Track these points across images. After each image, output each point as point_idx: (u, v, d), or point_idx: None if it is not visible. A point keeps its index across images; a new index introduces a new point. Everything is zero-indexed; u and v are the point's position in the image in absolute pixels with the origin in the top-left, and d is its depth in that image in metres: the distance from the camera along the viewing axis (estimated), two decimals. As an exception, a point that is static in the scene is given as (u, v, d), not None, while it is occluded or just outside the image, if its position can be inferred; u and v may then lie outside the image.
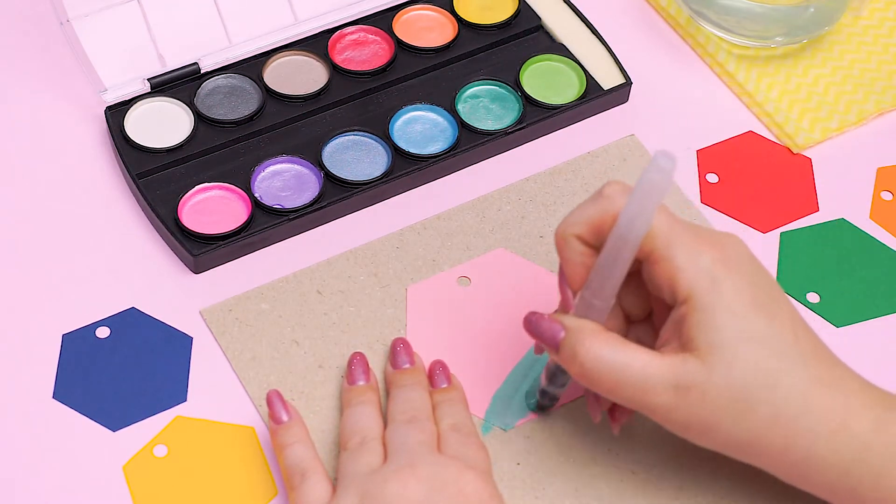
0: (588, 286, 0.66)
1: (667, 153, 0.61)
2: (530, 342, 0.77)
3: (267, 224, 0.81)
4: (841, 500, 0.66)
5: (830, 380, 0.65)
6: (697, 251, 0.65)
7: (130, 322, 0.77)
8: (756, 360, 0.64)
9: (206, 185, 0.82)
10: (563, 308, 0.68)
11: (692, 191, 0.85)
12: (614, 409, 0.71)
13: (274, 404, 0.71)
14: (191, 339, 0.77)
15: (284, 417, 0.71)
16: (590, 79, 0.89)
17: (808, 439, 0.64)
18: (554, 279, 0.80)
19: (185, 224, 0.80)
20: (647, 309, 0.70)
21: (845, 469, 0.65)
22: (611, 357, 0.65)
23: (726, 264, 0.65)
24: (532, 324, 0.68)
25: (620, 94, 0.89)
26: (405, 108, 0.87)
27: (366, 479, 0.67)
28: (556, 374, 0.71)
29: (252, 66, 0.88)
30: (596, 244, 0.67)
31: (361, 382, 0.73)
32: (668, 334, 0.66)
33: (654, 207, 0.63)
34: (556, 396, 0.73)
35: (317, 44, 0.89)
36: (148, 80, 0.86)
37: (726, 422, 0.64)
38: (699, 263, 0.65)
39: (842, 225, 0.84)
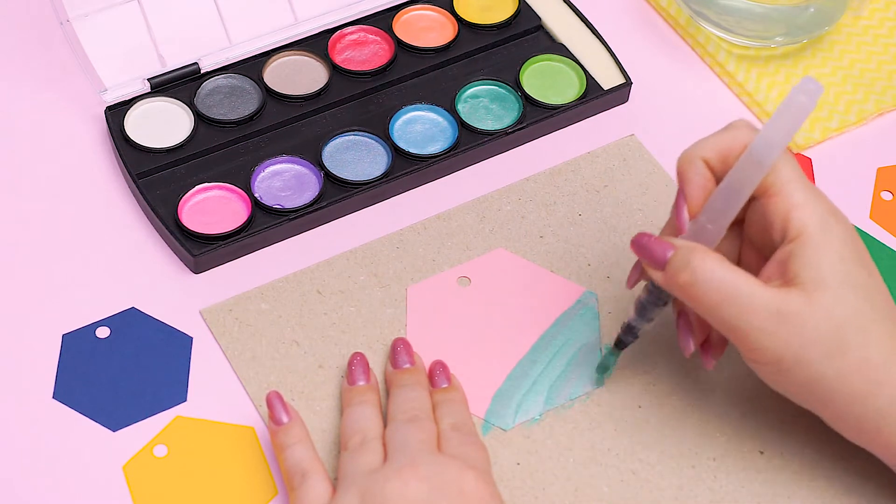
0: (705, 212, 0.68)
1: (813, 79, 0.64)
2: (530, 342, 0.77)
3: (267, 224, 0.81)
4: None
5: None
6: (814, 194, 0.68)
7: (130, 322, 0.77)
8: (855, 305, 0.66)
9: (206, 185, 0.82)
10: (676, 229, 0.70)
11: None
12: (706, 344, 0.72)
13: (274, 405, 0.71)
14: (191, 339, 0.77)
15: (284, 418, 0.71)
16: (590, 79, 0.89)
17: (891, 388, 0.66)
18: (555, 279, 0.80)
19: (185, 224, 0.80)
20: (737, 259, 0.71)
21: None
22: (720, 273, 0.66)
23: (836, 215, 0.68)
24: (641, 242, 0.69)
25: (620, 94, 0.89)
26: (405, 108, 0.87)
27: (366, 479, 0.67)
28: (649, 306, 0.72)
29: (252, 66, 0.88)
30: (719, 171, 0.69)
31: (361, 382, 0.73)
32: (771, 271, 0.67)
33: (793, 131, 0.65)
34: (638, 333, 0.73)
35: (317, 44, 0.89)
36: (148, 80, 0.86)
37: (818, 357, 0.66)
38: (815, 205, 0.67)
39: (842, 225, 0.84)
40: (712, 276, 0.66)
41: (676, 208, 0.70)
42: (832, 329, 0.66)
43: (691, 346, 0.72)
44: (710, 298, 0.66)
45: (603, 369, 0.75)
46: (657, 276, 0.69)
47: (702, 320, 0.71)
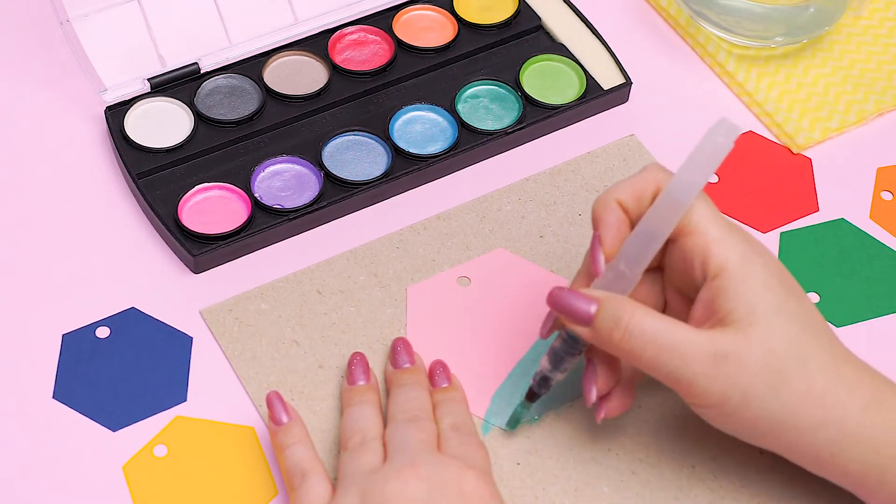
0: (621, 255, 0.67)
1: (729, 119, 0.64)
2: (530, 342, 0.77)
3: (267, 224, 0.81)
4: (868, 484, 0.67)
5: (856, 360, 0.67)
6: (730, 229, 0.67)
7: (130, 322, 0.77)
8: (790, 334, 0.65)
9: (206, 185, 0.82)
10: (592, 272, 0.69)
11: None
12: (606, 398, 0.70)
13: (274, 406, 0.71)
14: (191, 339, 0.77)
15: (284, 419, 0.71)
16: (590, 79, 0.89)
17: (840, 413, 0.65)
18: (555, 279, 0.80)
19: (185, 224, 0.80)
20: (662, 304, 0.71)
21: (874, 447, 0.66)
22: (654, 325, 0.65)
23: (755, 246, 0.67)
24: (559, 298, 0.67)
25: (620, 94, 0.89)
26: (405, 108, 0.87)
27: (366, 479, 0.67)
28: (564, 356, 0.70)
29: (252, 66, 0.88)
30: (634, 213, 0.68)
31: (361, 382, 0.73)
32: (700, 313, 0.67)
33: (711, 171, 0.65)
34: (551, 385, 0.71)
35: (317, 44, 0.89)
36: (148, 80, 0.86)
37: (763, 393, 0.65)
38: (733, 239, 0.67)
39: (842, 225, 0.84)
40: (644, 329, 0.65)
41: (592, 252, 0.69)
42: (772, 362, 0.65)
43: (593, 397, 0.69)
44: (646, 353, 0.65)
45: (514, 423, 0.73)
46: (583, 331, 0.67)
47: (608, 372, 0.69)
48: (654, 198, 0.68)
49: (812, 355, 0.66)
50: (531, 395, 0.72)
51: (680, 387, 0.66)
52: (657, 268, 0.70)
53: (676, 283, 0.70)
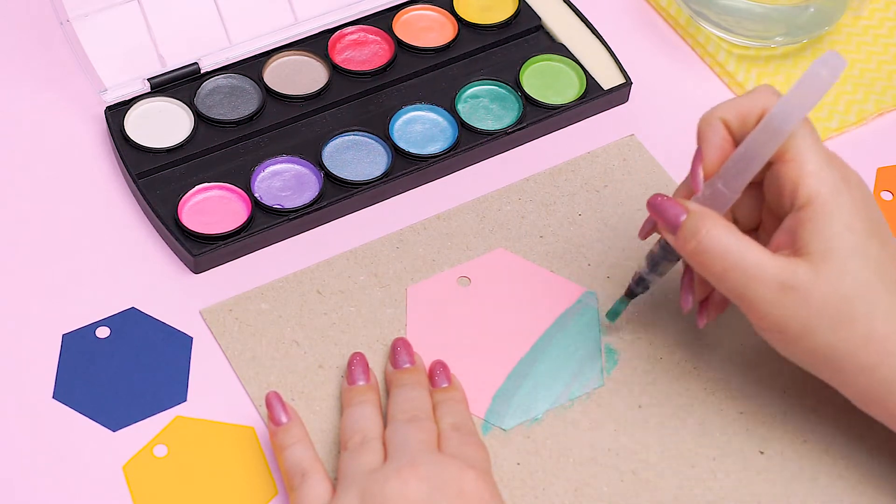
0: (721, 174, 0.69)
1: (836, 53, 0.65)
2: (530, 342, 0.77)
3: (267, 224, 0.81)
4: None
5: None
6: (829, 163, 0.68)
7: (130, 322, 0.77)
8: (864, 277, 0.66)
9: (206, 185, 0.82)
10: (692, 188, 0.70)
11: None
12: (705, 303, 0.73)
13: (273, 406, 0.71)
14: (191, 339, 0.77)
15: (283, 419, 0.71)
16: (590, 79, 0.89)
17: None
18: (555, 279, 0.80)
19: (185, 224, 0.80)
20: (757, 221, 0.72)
21: None
22: (728, 241, 0.67)
23: (849, 184, 0.68)
24: (657, 204, 0.70)
25: (620, 94, 0.89)
26: (405, 108, 0.87)
27: (366, 478, 0.67)
28: (660, 261, 0.73)
29: (252, 66, 0.88)
30: (738, 133, 0.69)
31: (361, 382, 0.73)
32: (781, 240, 0.68)
33: (813, 103, 0.66)
34: (648, 285, 0.74)
35: (317, 44, 0.89)
36: (148, 80, 0.86)
37: (824, 328, 0.66)
38: (827, 173, 0.67)
39: (842, 225, 0.84)
40: (718, 245, 0.67)
41: (692, 168, 0.70)
42: (838, 301, 0.66)
43: (690, 303, 0.72)
44: (716, 266, 0.67)
45: (613, 315, 0.76)
46: (670, 237, 0.69)
47: (703, 281, 0.72)
48: (758, 120, 0.69)
49: (879, 302, 0.66)
50: (630, 293, 0.75)
51: (745, 305, 0.68)
52: (759, 183, 0.71)
53: (772, 204, 0.70)
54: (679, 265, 0.76)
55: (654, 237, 0.75)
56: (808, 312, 0.66)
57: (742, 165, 0.68)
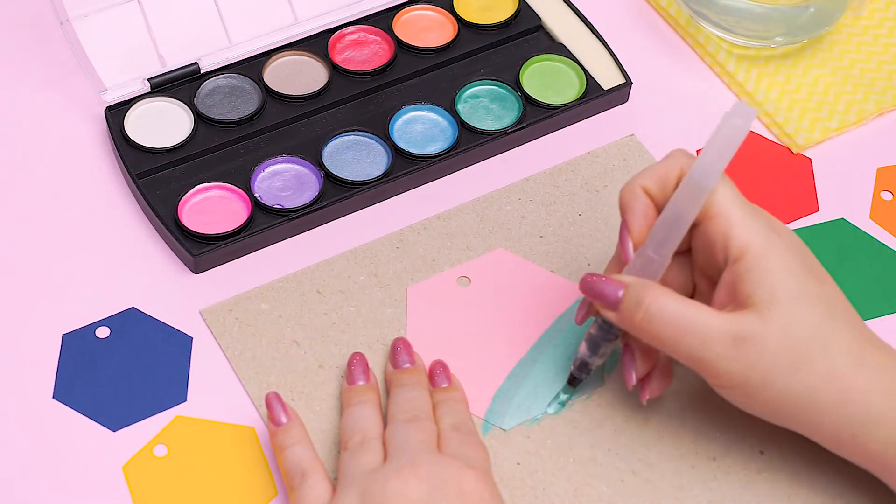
0: (649, 242, 0.69)
1: (745, 102, 0.65)
2: (530, 342, 0.77)
3: (267, 224, 0.81)
4: (889, 463, 0.67)
5: (880, 343, 0.68)
6: (752, 212, 0.68)
7: (130, 322, 0.77)
8: (811, 318, 0.66)
9: (206, 185, 0.82)
10: (621, 259, 0.70)
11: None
12: (647, 379, 0.72)
13: (273, 406, 0.71)
14: (191, 339, 0.77)
15: (284, 419, 0.71)
16: (590, 79, 0.89)
17: (864, 395, 0.66)
18: (555, 279, 0.80)
19: (185, 224, 0.80)
20: (691, 288, 0.71)
21: None
22: (675, 306, 0.66)
23: (777, 229, 0.68)
24: (590, 284, 0.69)
25: (620, 94, 0.89)
26: (405, 108, 0.87)
27: (366, 479, 0.67)
28: (600, 342, 0.72)
29: (252, 66, 0.88)
30: (659, 199, 0.69)
31: (361, 382, 0.73)
32: (722, 296, 0.67)
33: (730, 155, 0.66)
34: (590, 369, 0.73)
35: (317, 44, 0.89)
36: (148, 80, 0.86)
37: (784, 375, 0.66)
38: (755, 222, 0.67)
39: (842, 225, 0.84)
40: (665, 311, 0.66)
41: (620, 240, 0.70)
42: (793, 345, 0.65)
43: (634, 379, 0.71)
44: (666, 334, 0.67)
45: (558, 406, 0.75)
46: (611, 315, 0.69)
47: (645, 355, 0.71)
48: (678, 182, 0.69)
49: (834, 339, 0.66)
50: (572, 380, 0.74)
51: (701, 368, 0.67)
52: (687, 251, 0.71)
53: (703, 267, 0.70)
54: (619, 343, 0.74)
55: (591, 320, 0.73)
56: (765, 362, 0.65)
57: (669, 229, 0.68)
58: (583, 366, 0.73)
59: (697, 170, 0.67)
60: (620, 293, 0.68)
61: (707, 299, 0.69)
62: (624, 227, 0.70)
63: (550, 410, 0.74)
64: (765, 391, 0.66)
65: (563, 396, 0.75)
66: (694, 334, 0.66)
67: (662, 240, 0.68)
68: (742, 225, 0.67)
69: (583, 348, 0.73)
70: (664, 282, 0.70)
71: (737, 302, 0.67)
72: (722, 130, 0.66)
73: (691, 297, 0.71)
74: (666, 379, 0.72)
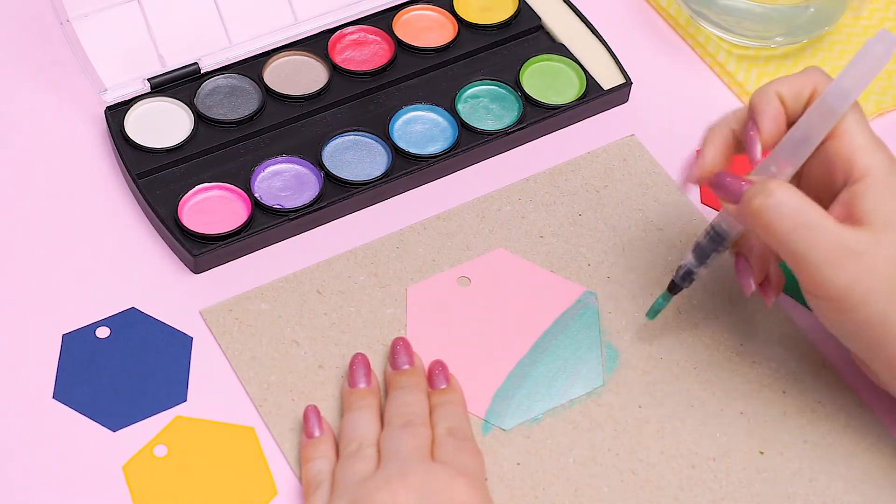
0: (773, 157, 0.69)
1: (889, 31, 0.66)
2: (530, 342, 0.77)
3: (267, 224, 0.81)
4: None
5: None
6: (877, 141, 0.69)
7: (130, 322, 0.77)
8: None
9: (206, 185, 0.82)
10: (751, 159, 0.70)
11: (692, 191, 0.85)
12: (765, 283, 0.73)
13: (309, 419, 0.72)
14: (191, 339, 0.77)
15: (317, 433, 0.71)
16: (590, 79, 0.89)
17: None
18: (555, 279, 0.80)
19: (185, 224, 0.80)
20: None
21: None
22: (797, 201, 0.67)
23: None
24: (719, 176, 0.69)
25: (620, 94, 0.89)
26: (405, 108, 0.87)
27: (357, 488, 0.67)
28: (709, 252, 0.72)
29: (252, 66, 0.88)
30: (791, 108, 0.70)
31: (362, 385, 0.73)
32: (837, 212, 0.68)
33: (868, 80, 0.67)
34: (694, 278, 0.74)
35: (317, 44, 0.89)
36: (148, 80, 0.86)
37: (884, 297, 0.66)
38: (879, 150, 0.68)
39: (842, 225, 0.84)
40: (787, 202, 0.67)
41: (748, 143, 0.70)
42: None
43: (752, 285, 0.72)
44: (782, 225, 0.67)
45: (653, 313, 0.76)
46: (731, 208, 0.69)
47: (760, 260, 0.72)
48: (810, 98, 0.69)
49: None
50: (673, 287, 0.75)
51: (804, 270, 0.67)
52: (795, 173, 0.71)
53: (814, 186, 0.70)
54: (726, 257, 0.76)
55: (690, 225, 0.74)
56: (868, 280, 0.66)
57: (796, 146, 0.69)
58: (687, 274, 0.74)
59: (832, 93, 0.67)
60: (745, 185, 0.68)
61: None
62: (753, 128, 0.70)
63: (647, 317, 0.76)
64: (859, 311, 0.67)
65: (662, 302, 0.75)
66: (808, 232, 0.66)
67: (788, 157, 0.69)
68: (867, 149, 0.68)
69: (689, 258, 0.73)
70: None
71: (852, 219, 0.67)
72: (862, 57, 0.67)
73: None
74: (781, 282, 0.73)
